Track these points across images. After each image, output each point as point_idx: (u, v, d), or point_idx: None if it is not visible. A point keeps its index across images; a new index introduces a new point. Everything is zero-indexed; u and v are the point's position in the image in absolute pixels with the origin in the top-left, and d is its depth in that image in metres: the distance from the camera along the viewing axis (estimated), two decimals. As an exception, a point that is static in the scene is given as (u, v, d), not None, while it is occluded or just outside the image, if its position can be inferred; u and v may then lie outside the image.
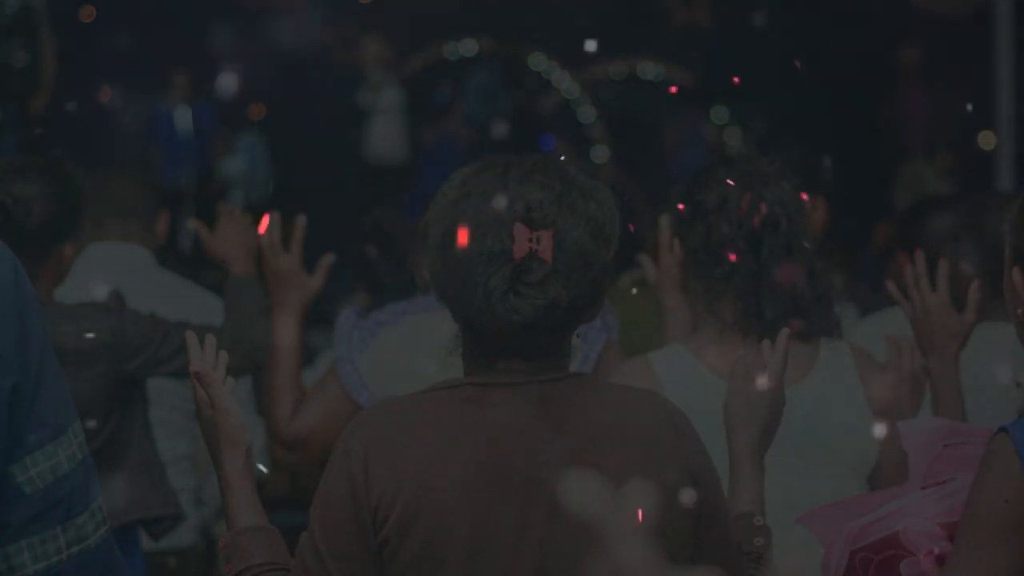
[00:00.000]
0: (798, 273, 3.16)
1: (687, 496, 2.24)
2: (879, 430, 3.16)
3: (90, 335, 3.64)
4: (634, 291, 4.90)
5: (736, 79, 9.40)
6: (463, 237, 2.21)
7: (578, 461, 2.20)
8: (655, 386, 3.02)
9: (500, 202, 2.21)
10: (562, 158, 2.35)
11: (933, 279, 3.34)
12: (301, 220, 3.85)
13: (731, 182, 3.16)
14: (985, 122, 8.16)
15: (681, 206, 3.22)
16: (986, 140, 8.30)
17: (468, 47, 12.82)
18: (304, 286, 3.80)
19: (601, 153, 12.79)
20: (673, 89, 11.63)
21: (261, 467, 2.54)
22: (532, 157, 2.29)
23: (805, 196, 3.24)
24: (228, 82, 11.16)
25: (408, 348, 3.61)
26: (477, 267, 2.20)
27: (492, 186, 2.23)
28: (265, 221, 3.83)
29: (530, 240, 2.19)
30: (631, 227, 2.32)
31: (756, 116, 11.60)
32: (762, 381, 2.58)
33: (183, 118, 11.47)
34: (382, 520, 2.19)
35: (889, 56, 11.35)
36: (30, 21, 5.80)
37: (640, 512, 1.44)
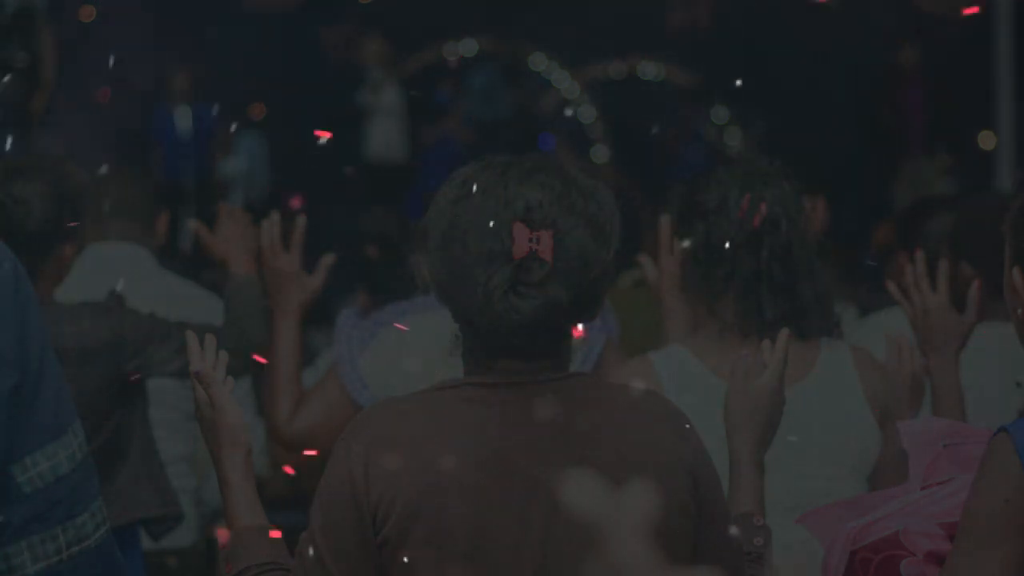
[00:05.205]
0: (798, 273, 3.16)
1: (687, 496, 2.24)
2: (879, 430, 3.16)
3: (90, 335, 3.64)
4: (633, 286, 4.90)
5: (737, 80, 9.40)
6: (463, 237, 2.21)
7: (578, 461, 2.20)
8: (655, 386, 3.02)
9: (500, 202, 2.21)
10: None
11: (933, 279, 3.34)
12: (301, 220, 3.84)
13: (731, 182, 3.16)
14: (985, 122, 8.15)
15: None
16: (986, 140, 8.29)
17: (468, 47, 12.82)
18: (304, 286, 3.80)
19: (601, 153, 12.79)
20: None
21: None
22: (532, 157, 2.29)
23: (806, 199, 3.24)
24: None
25: (408, 348, 3.61)
26: (477, 267, 2.19)
27: (492, 186, 2.23)
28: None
29: (530, 240, 2.19)
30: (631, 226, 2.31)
31: (756, 116, 11.60)
32: (762, 381, 2.58)
33: (183, 118, 11.46)
34: (382, 520, 2.19)
35: (889, 56, 11.35)
36: (30, 21, 5.80)
37: (640, 512, 1.44)
